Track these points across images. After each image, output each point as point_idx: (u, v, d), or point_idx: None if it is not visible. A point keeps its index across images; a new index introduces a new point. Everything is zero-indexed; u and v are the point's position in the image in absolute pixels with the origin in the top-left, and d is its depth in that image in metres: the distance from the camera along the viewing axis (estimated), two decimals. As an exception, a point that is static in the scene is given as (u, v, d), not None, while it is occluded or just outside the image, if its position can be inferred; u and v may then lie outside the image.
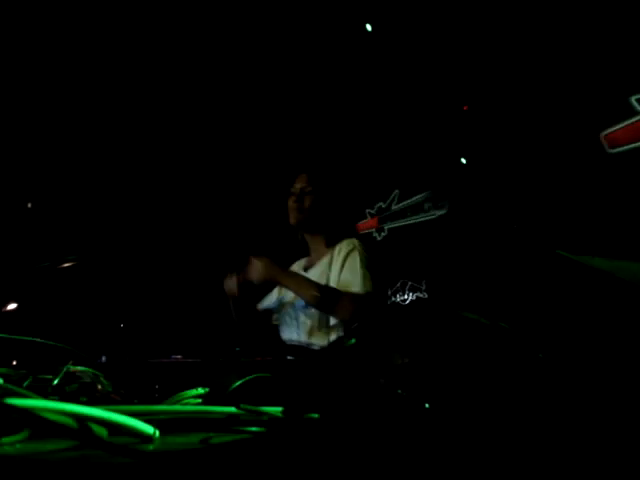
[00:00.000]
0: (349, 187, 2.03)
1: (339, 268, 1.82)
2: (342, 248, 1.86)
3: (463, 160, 4.40)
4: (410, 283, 4.80)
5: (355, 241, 1.88)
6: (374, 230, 5.27)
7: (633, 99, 3.59)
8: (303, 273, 1.95)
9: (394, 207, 5.15)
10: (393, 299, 4.85)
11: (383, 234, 5.21)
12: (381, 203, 5.27)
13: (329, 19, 4.04)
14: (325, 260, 1.89)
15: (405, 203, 5.09)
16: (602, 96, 3.64)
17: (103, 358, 1.68)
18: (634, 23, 3.40)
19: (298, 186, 1.94)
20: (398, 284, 4.88)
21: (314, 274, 1.89)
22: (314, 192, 1.91)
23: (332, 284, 1.79)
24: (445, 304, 4.37)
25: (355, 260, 1.80)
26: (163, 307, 4.28)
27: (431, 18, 3.95)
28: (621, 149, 3.58)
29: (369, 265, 1.81)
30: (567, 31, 3.62)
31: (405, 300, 4.81)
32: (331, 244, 1.93)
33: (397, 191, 5.15)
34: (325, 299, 1.72)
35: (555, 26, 3.65)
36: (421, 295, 4.74)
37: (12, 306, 3.01)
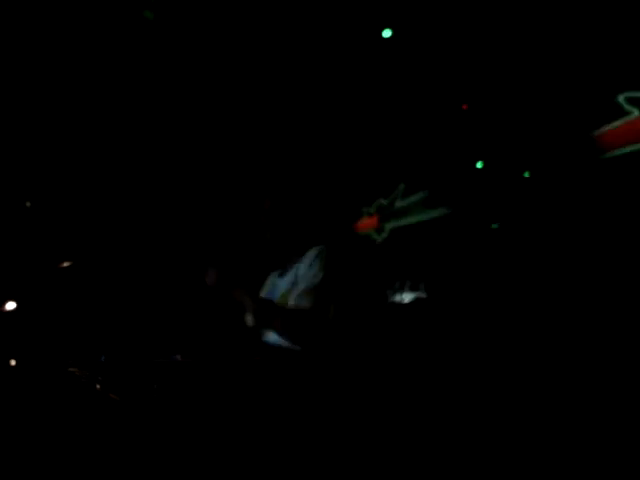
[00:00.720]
0: (316, 203, 2.13)
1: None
2: (309, 256, 1.97)
3: (479, 165, 4.37)
4: (410, 283, 4.79)
5: (317, 249, 1.96)
6: (374, 231, 5.14)
7: (621, 98, 3.54)
8: (279, 279, 2.09)
9: (397, 204, 4.88)
10: (393, 299, 4.84)
11: (383, 234, 5.06)
12: (381, 200, 5.05)
13: (325, 19, 4.04)
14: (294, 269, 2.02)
15: (408, 200, 4.85)
16: (591, 95, 3.60)
17: (103, 358, 1.68)
18: (624, 20, 3.38)
19: (266, 205, 2.09)
20: (398, 284, 4.85)
21: (287, 281, 2.02)
22: (281, 212, 2.07)
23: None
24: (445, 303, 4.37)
25: (309, 272, 1.90)
26: (162, 307, 4.28)
27: (427, 15, 3.96)
28: (615, 152, 3.55)
29: (323, 275, 1.86)
30: (558, 30, 3.61)
31: (405, 300, 4.79)
32: (299, 255, 2.04)
33: (403, 185, 4.84)
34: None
35: (547, 25, 3.64)
36: (421, 295, 4.72)
37: (12, 306, 3.01)
